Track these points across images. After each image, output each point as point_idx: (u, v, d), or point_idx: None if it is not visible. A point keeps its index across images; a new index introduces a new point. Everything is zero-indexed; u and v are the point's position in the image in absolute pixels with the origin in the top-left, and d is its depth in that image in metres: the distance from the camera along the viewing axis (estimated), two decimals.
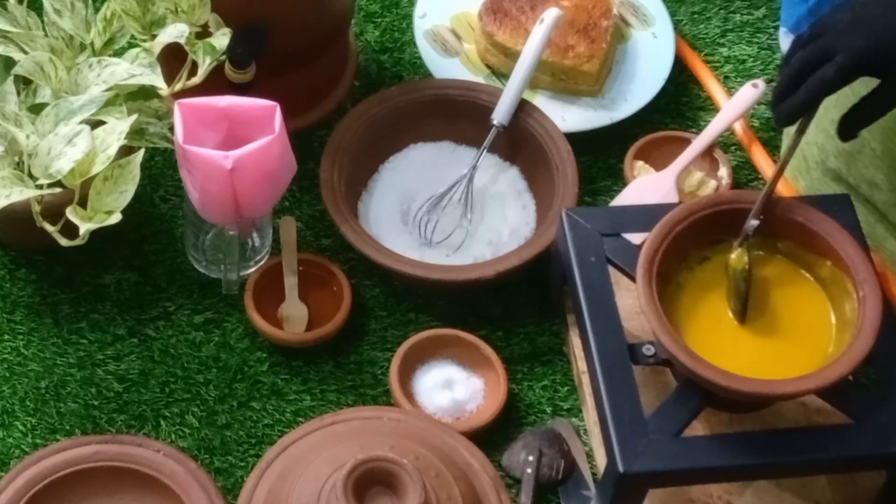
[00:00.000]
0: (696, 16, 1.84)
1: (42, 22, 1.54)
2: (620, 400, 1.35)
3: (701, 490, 1.43)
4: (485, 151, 1.62)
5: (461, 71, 1.74)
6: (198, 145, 1.42)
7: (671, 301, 1.40)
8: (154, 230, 1.63)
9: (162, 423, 1.50)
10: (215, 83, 1.52)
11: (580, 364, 1.50)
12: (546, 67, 1.70)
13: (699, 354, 1.34)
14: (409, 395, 1.50)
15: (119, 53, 1.53)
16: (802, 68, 1.32)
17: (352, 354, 1.55)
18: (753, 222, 1.40)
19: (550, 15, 1.65)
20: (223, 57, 1.51)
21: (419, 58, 1.76)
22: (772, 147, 1.70)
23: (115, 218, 1.43)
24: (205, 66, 1.49)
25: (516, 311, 1.58)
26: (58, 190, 1.43)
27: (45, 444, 1.46)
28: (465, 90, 1.67)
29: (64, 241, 1.45)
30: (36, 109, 1.47)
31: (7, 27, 1.51)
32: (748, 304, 1.40)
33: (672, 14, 1.80)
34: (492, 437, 1.49)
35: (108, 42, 1.55)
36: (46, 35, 1.53)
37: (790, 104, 1.33)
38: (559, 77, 1.71)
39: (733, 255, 1.40)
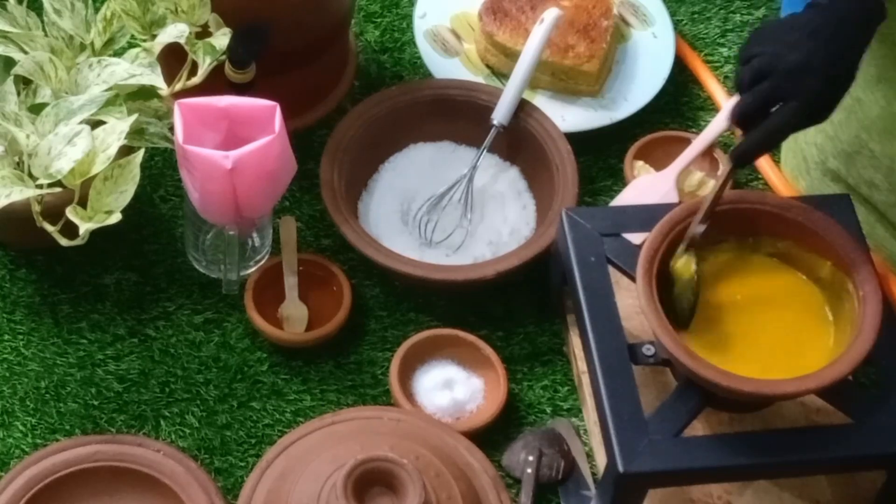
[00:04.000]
0: (696, 16, 1.84)
1: (42, 22, 1.54)
2: (620, 400, 1.35)
3: (701, 490, 1.43)
4: (485, 151, 1.62)
5: (461, 71, 1.74)
6: (198, 145, 1.42)
7: (671, 301, 1.40)
8: (154, 230, 1.63)
9: (162, 423, 1.50)
10: (215, 83, 1.52)
11: (580, 364, 1.50)
12: (546, 67, 1.70)
13: (699, 354, 1.34)
14: (409, 395, 1.50)
15: (119, 53, 1.53)
16: (755, 109, 1.33)
17: (352, 354, 1.55)
18: (700, 227, 1.39)
19: (550, 15, 1.65)
20: (223, 57, 1.51)
21: (419, 58, 1.76)
22: None
23: (115, 218, 1.43)
24: (205, 66, 1.49)
25: (516, 311, 1.58)
26: (58, 190, 1.43)
27: (45, 444, 1.46)
28: (465, 90, 1.67)
29: (64, 241, 1.45)
30: (36, 109, 1.47)
31: (7, 27, 1.51)
32: (695, 311, 1.39)
33: (672, 14, 1.80)
34: (492, 437, 1.49)
35: (108, 42, 1.55)
36: (46, 35, 1.53)
37: (747, 148, 1.35)
38: (559, 77, 1.71)
39: (680, 262, 1.39)
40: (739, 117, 1.35)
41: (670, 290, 1.40)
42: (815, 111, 1.33)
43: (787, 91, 1.31)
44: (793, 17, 1.36)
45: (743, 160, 1.37)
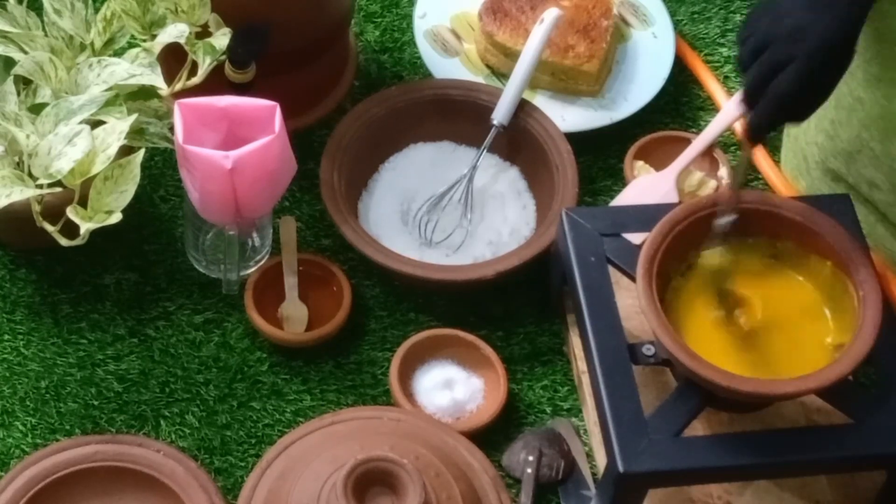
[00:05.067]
0: (696, 16, 1.84)
1: (42, 22, 1.54)
2: (620, 400, 1.35)
3: (701, 490, 1.43)
4: (485, 151, 1.62)
5: (461, 71, 1.74)
6: (198, 145, 1.42)
7: (671, 301, 1.40)
8: (154, 230, 1.63)
9: (162, 423, 1.50)
10: (215, 83, 1.52)
11: (580, 364, 1.50)
12: (546, 67, 1.70)
13: (699, 354, 1.34)
14: (409, 395, 1.50)
15: (119, 53, 1.53)
16: (760, 82, 1.32)
17: (352, 354, 1.55)
18: (727, 217, 1.38)
19: (550, 15, 1.65)
20: (223, 57, 1.51)
21: (419, 58, 1.76)
22: (771, 147, 1.70)
23: (116, 218, 1.43)
24: (205, 66, 1.49)
25: (516, 311, 1.58)
26: (58, 190, 1.43)
27: (45, 444, 1.46)
28: (465, 90, 1.67)
29: (64, 241, 1.45)
30: (36, 109, 1.47)
31: (7, 27, 1.51)
32: (733, 304, 1.39)
33: (672, 14, 1.80)
34: (492, 437, 1.49)
35: (108, 42, 1.55)
36: (46, 35, 1.53)
37: (757, 120, 1.34)
38: (559, 77, 1.71)
39: (706, 255, 1.39)
40: (748, 96, 1.33)
41: (671, 290, 1.40)
42: (817, 76, 1.31)
43: (786, 54, 1.31)
44: None
45: (756, 134, 1.35)
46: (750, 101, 1.34)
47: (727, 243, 1.40)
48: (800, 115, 1.36)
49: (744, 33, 1.36)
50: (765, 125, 1.35)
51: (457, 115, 1.66)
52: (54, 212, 1.45)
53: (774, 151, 1.70)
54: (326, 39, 1.66)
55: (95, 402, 1.51)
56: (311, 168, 1.63)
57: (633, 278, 1.39)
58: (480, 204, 1.62)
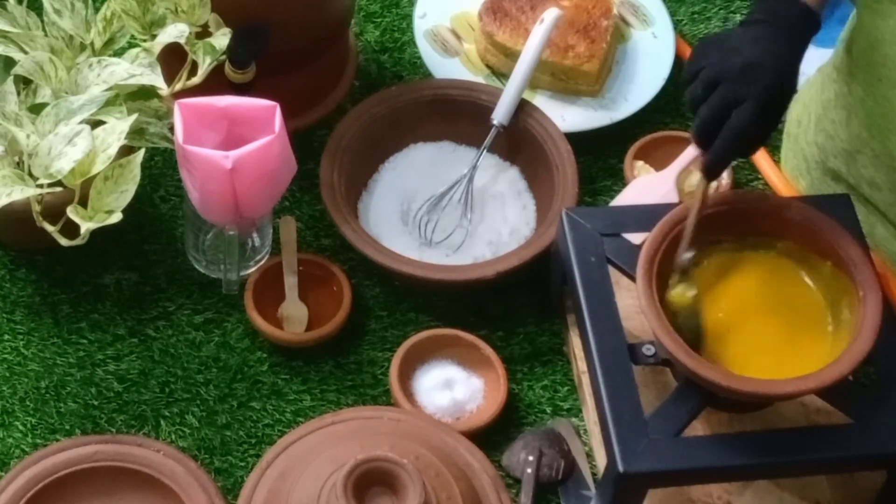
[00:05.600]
0: (696, 16, 1.84)
1: (42, 22, 1.54)
2: (620, 400, 1.35)
3: (701, 490, 1.43)
4: (485, 151, 1.62)
5: (461, 71, 1.74)
6: (198, 145, 1.42)
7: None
8: (154, 230, 1.63)
9: (162, 423, 1.50)
10: (215, 83, 1.52)
11: (580, 364, 1.50)
12: (546, 67, 1.70)
13: (699, 354, 1.34)
14: (409, 395, 1.50)
15: (119, 53, 1.53)
16: (714, 119, 1.33)
17: (352, 354, 1.55)
18: (687, 254, 1.38)
19: (550, 15, 1.65)
20: (223, 57, 1.51)
21: (419, 58, 1.76)
22: (771, 147, 1.70)
23: (116, 217, 1.43)
24: (205, 66, 1.50)
25: (516, 311, 1.58)
26: (58, 189, 1.43)
27: (45, 444, 1.46)
28: (465, 90, 1.67)
29: (64, 241, 1.45)
30: (36, 109, 1.47)
31: (7, 27, 1.51)
32: (701, 335, 1.38)
33: (672, 14, 1.80)
34: (492, 437, 1.49)
35: (108, 42, 1.55)
36: (46, 35, 1.53)
37: (714, 158, 1.35)
38: (559, 77, 1.71)
39: (675, 292, 1.38)
40: (701, 133, 1.35)
41: (668, 293, 1.40)
42: (770, 110, 1.33)
43: (740, 91, 1.32)
44: (731, 31, 1.39)
45: (713, 173, 1.38)
46: (702, 137, 1.35)
47: (688, 278, 1.39)
48: (752, 150, 1.39)
49: (692, 69, 1.37)
50: (724, 161, 1.37)
51: (457, 115, 1.66)
52: (54, 212, 1.45)
53: (774, 151, 1.70)
54: (326, 39, 1.66)
55: (95, 402, 1.51)
56: (311, 168, 1.63)
57: (633, 278, 1.39)
58: (480, 204, 1.62)
